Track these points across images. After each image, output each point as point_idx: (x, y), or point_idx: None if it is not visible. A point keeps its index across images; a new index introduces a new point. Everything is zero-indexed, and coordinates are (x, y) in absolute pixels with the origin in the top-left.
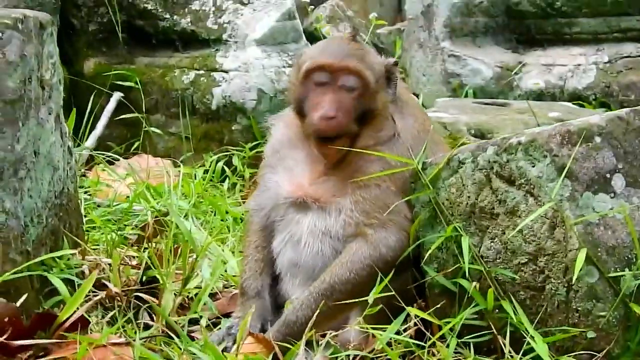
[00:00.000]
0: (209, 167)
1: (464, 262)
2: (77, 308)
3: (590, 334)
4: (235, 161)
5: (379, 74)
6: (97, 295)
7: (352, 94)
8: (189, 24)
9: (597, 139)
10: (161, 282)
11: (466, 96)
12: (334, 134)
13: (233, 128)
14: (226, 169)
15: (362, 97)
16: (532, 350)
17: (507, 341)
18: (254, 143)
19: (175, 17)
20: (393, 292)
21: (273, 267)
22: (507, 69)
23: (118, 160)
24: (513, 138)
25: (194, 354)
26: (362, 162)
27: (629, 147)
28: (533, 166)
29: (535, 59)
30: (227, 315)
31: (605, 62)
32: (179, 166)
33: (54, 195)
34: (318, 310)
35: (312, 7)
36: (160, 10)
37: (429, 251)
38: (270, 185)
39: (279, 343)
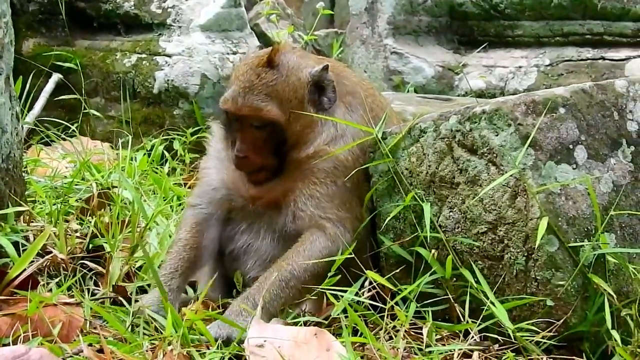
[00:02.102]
0: (149, 150)
1: (422, 231)
2: (26, 268)
3: (549, 303)
4: (176, 145)
5: (297, 98)
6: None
7: (263, 132)
8: (132, 8)
9: (562, 110)
10: (108, 250)
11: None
12: (250, 170)
13: (175, 113)
14: (166, 153)
15: (275, 133)
16: (489, 317)
17: (466, 309)
18: (196, 128)
19: (118, 0)
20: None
21: (196, 267)
22: (448, 68)
23: (55, 142)
24: (477, 107)
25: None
26: (310, 165)
27: (591, 120)
28: (496, 135)
29: (477, 60)
30: None
31: (547, 65)
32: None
33: (1, 159)
34: (276, 295)
35: None
36: None
37: (386, 221)
38: (214, 183)
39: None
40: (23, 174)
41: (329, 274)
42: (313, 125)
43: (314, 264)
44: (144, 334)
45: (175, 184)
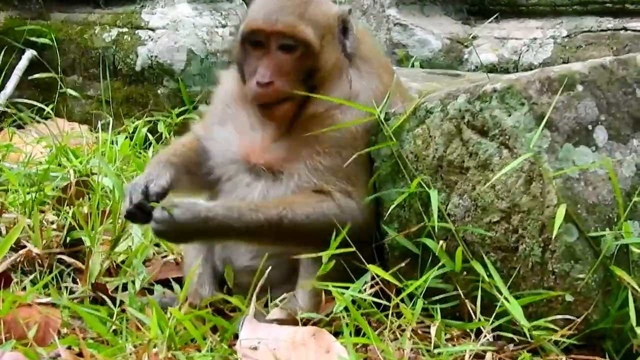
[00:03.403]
0: (132, 133)
1: (429, 220)
2: None
3: (568, 298)
4: (161, 127)
5: (327, 28)
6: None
7: (292, 56)
8: None
9: (579, 88)
10: (87, 244)
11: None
12: (272, 101)
13: (159, 92)
14: (150, 136)
15: (305, 58)
16: (503, 315)
17: (477, 306)
18: (182, 109)
19: None
20: (350, 285)
21: (194, 167)
22: (457, 41)
23: (28, 124)
24: (487, 85)
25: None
26: (317, 128)
27: (612, 99)
28: (509, 115)
29: (488, 32)
30: (160, 282)
31: (564, 37)
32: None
33: None
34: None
35: None
36: None
37: (390, 209)
38: (218, 139)
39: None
40: None
41: (338, 241)
42: (340, 68)
43: (316, 219)
44: (127, 335)
45: None
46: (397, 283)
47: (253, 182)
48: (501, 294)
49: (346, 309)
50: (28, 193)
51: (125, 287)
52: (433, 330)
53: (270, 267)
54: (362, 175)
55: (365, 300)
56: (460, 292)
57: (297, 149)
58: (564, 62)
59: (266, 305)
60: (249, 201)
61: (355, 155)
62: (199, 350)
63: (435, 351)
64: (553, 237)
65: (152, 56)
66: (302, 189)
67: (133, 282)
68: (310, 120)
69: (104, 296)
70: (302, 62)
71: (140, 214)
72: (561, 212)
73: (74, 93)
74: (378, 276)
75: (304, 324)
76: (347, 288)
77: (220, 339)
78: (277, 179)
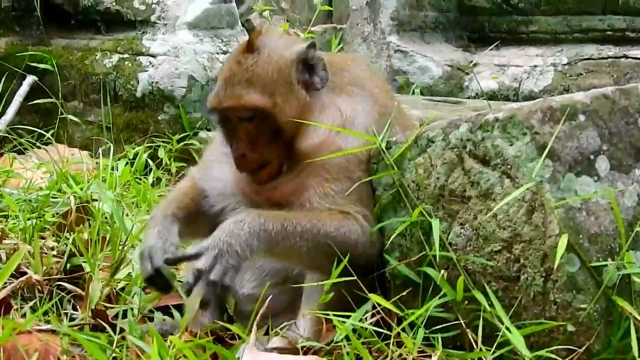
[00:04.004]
0: (132, 159)
1: (430, 249)
2: None
3: (570, 328)
4: (161, 153)
5: (279, 80)
6: (17, 281)
7: (254, 124)
8: (113, 4)
9: (581, 117)
10: (87, 270)
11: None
12: (252, 169)
13: (159, 118)
14: (150, 162)
15: (265, 121)
16: (505, 345)
17: (479, 335)
18: (183, 135)
19: None
20: (351, 314)
21: (193, 215)
22: (457, 68)
23: (28, 149)
24: (489, 114)
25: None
26: (318, 157)
27: (614, 128)
28: (511, 145)
29: (489, 59)
30: (160, 308)
31: (564, 64)
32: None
33: None
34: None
35: None
36: None
37: (391, 238)
38: (219, 176)
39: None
40: None
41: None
42: (309, 109)
43: (343, 235)
44: None
45: (161, 195)
46: (398, 312)
47: None
48: (503, 323)
49: (347, 337)
50: (28, 219)
51: (125, 314)
52: None
53: (272, 295)
54: (371, 198)
55: (366, 329)
56: (462, 321)
57: (305, 180)
58: (564, 90)
59: (267, 333)
60: (276, 214)
61: (365, 180)
62: None
63: None
64: (555, 266)
65: (152, 82)
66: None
67: (133, 309)
68: (310, 151)
69: (104, 323)
70: (264, 126)
71: (159, 279)
72: (563, 242)
73: (74, 119)
74: (379, 305)
75: (305, 353)
76: (348, 317)
77: None
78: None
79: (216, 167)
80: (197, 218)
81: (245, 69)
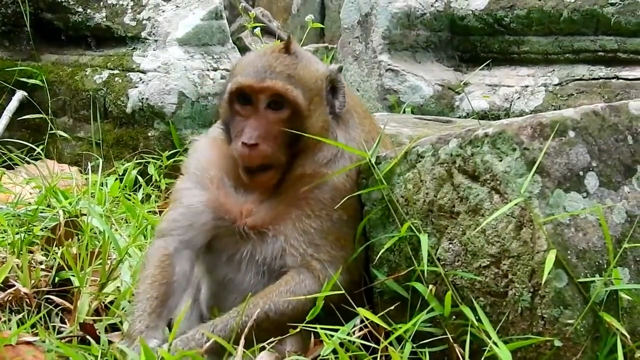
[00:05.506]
0: (121, 175)
1: (419, 265)
2: None
3: (557, 343)
4: (151, 170)
5: (315, 90)
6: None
7: (280, 115)
8: (104, 20)
9: (571, 134)
10: (75, 284)
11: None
12: (257, 164)
13: (149, 134)
14: (140, 178)
15: (292, 120)
16: (492, 359)
17: (466, 350)
18: (172, 151)
19: (88, 11)
20: (339, 328)
21: (168, 305)
22: (448, 87)
23: (18, 165)
24: (479, 130)
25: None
26: (307, 189)
27: (603, 145)
28: (500, 160)
29: (480, 79)
30: None
31: (555, 84)
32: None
33: None
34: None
35: (243, 3)
36: (71, 2)
37: (380, 253)
38: (196, 204)
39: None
40: None
41: (316, 312)
42: (327, 130)
43: (297, 303)
44: None
45: (150, 212)
46: (386, 326)
47: (240, 241)
48: (490, 338)
49: (334, 351)
50: (17, 233)
51: (113, 328)
52: None
53: None
54: (351, 235)
55: (353, 343)
56: (449, 336)
57: (286, 210)
58: (555, 110)
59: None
60: (232, 311)
61: (348, 204)
62: None
63: None
64: (543, 282)
65: (143, 99)
66: (287, 270)
67: (121, 323)
68: (299, 181)
69: (92, 337)
70: (289, 124)
71: None
72: (551, 257)
73: (64, 134)
74: (367, 319)
75: None
76: (336, 331)
77: None
78: (264, 240)
79: (197, 194)
80: (170, 300)
81: (286, 65)
